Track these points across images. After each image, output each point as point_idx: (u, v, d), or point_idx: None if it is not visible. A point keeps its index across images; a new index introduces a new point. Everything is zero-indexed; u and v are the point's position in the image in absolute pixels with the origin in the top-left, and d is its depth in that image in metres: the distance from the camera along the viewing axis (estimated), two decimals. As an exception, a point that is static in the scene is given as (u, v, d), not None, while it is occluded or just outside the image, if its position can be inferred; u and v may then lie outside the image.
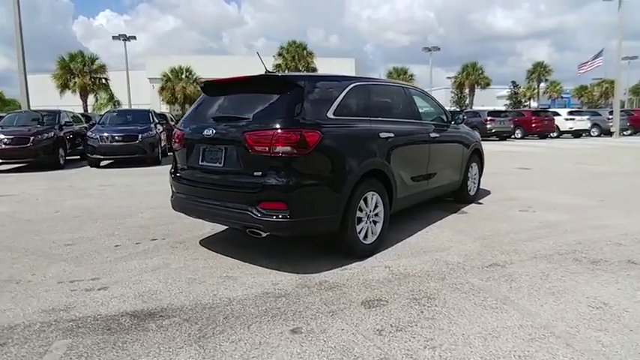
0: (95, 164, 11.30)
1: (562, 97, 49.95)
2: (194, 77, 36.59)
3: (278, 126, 3.05)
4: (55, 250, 3.97)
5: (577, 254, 3.56)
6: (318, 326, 2.43)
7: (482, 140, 22.79)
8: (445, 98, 42.66)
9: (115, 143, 11.09)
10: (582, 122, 22.30)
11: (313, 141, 3.06)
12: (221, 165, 3.35)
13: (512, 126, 20.95)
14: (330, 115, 3.32)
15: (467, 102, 48.36)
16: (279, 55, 37.34)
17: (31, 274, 3.38)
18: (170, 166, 4.01)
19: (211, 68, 38.83)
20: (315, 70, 35.53)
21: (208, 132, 3.38)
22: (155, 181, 8.54)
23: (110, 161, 11.46)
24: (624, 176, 8.30)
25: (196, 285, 3.08)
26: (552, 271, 3.20)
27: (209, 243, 4.10)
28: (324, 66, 37.08)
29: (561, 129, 22.03)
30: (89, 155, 11.25)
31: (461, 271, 3.25)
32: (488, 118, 20.52)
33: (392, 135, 3.82)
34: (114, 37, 33.15)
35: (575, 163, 10.68)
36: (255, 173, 3.13)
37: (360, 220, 3.48)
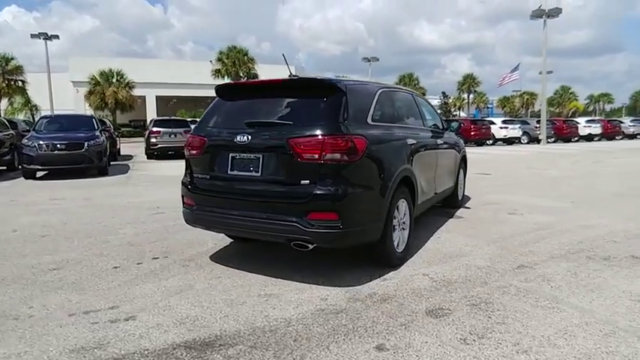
0: (31, 176, 10.07)
1: (487, 107, 54.36)
2: (126, 81, 34.44)
3: (327, 132, 2.91)
4: (42, 277, 3.42)
5: (587, 252, 3.81)
6: (399, 340, 2.32)
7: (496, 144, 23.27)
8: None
9: (56, 152, 9.96)
10: (515, 130, 24.38)
11: (362, 147, 2.96)
12: (258, 174, 3.11)
13: (453, 134, 22.28)
14: (369, 120, 3.25)
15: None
16: (219, 60, 36.37)
17: (28, 307, 2.87)
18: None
19: (144, 72, 37.00)
20: (256, 76, 35.15)
21: (242, 138, 3.12)
22: (116, 193, 7.84)
23: (45, 172, 10.32)
24: (575, 179, 9.11)
25: (239, 306, 2.81)
26: (577, 270, 3.38)
27: (221, 259, 3.79)
28: (266, 73, 36.79)
29: (496, 137, 23.86)
30: (25, 166, 10.00)
31: (496, 274, 3.32)
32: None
33: (414, 141, 3.84)
34: (32, 36, 30.09)
35: (526, 168, 11.59)
36: (302, 182, 2.95)
37: (394, 228, 3.43)
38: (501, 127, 24.03)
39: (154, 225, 5.15)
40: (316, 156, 2.87)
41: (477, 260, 3.66)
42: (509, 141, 24.58)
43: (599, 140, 26.94)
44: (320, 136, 2.89)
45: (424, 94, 45.70)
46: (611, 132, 27.39)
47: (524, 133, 24.94)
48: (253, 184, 3.16)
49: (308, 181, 2.92)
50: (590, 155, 15.66)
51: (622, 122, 29.25)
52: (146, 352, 2.27)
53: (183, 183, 3.60)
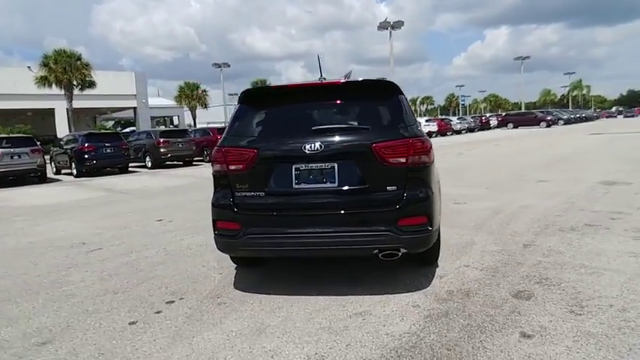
0: None
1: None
2: None
3: (410, 135, 2.87)
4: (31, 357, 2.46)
5: (555, 226, 4.59)
6: (535, 327, 2.47)
7: None
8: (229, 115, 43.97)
9: None
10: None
11: (431, 148, 3.00)
12: (334, 184, 2.86)
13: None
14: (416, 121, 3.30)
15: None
16: (44, 65, 30.53)
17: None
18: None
19: None
20: (94, 83, 30.82)
21: (312, 146, 2.82)
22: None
23: None
24: (464, 170, 10.56)
25: (346, 332, 2.55)
26: (568, 240, 4.05)
27: (251, 287, 3.33)
28: (104, 80, 32.61)
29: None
30: None
31: (517, 255, 3.77)
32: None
33: None
34: None
35: None
36: (389, 188, 2.83)
37: None
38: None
39: (108, 265, 4.18)
40: (403, 160, 2.81)
41: (487, 246, 4.08)
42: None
43: (436, 136, 32.11)
44: (405, 139, 2.84)
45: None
46: (444, 129, 32.86)
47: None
48: (329, 197, 2.89)
49: (395, 187, 2.83)
50: (448, 149, 18.47)
51: (451, 120, 35.51)
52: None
53: (219, 205, 3.05)
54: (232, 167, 2.97)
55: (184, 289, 3.41)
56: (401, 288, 3.16)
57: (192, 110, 39.95)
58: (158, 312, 3.01)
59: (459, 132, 35.86)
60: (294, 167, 2.88)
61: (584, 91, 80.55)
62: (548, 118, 38.54)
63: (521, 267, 3.46)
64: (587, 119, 45.23)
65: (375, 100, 3.07)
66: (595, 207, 5.36)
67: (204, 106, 40.45)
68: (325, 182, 2.86)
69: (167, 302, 3.18)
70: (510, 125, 39.48)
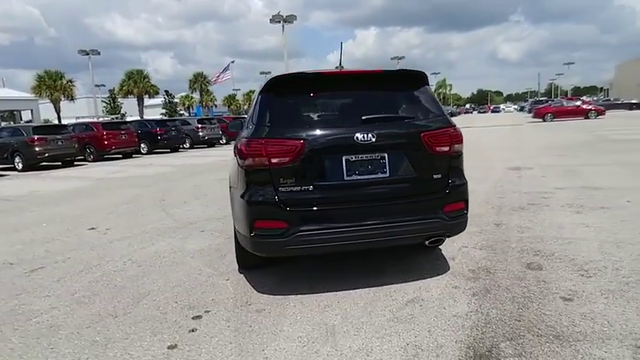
0: None
1: (215, 106, 56.35)
2: None
3: (449, 124, 2.97)
4: None
5: (536, 205, 5.24)
6: (568, 291, 2.83)
7: (195, 147, 23.77)
8: (92, 108, 39.06)
9: None
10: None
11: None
12: (386, 174, 2.81)
13: (220, 132, 22.63)
14: None
15: (124, 111, 46.88)
16: None
17: None
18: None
19: None
20: None
21: (365, 136, 2.73)
22: None
23: None
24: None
25: (419, 319, 2.58)
26: (544, 214, 4.69)
27: (275, 289, 3.13)
28: None
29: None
30: None
31: (505, 232, 4.23)
32: (200, 125, 21.31)
33: None
34: None
35: None
36: (435, 176, 2.91)
37: None
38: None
39: (74, 285, 3.47)
40: (446, 148, 2.92)
41: (483, 219, 4.53)
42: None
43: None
44: (447, 128, 2.95)
45: (157, 93, 43.37)
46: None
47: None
48: (381, 187, 2.84)
49: (440, 175, 2.92)
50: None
51: None
52: None
53: (258, 202, 2.75)
54: (275, 160, 2.72)
55: (201, 302, 3.02)
56: (426, 273, 3.30)
57: (56, 103, 34.52)
58: (193, 330, 2.62)
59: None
60: (344, 158, 2.77)
61: (447, 90, 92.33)
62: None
63: (511, 243, 3.90)
64: (452, 115, 52.04)
65: (409, 90, 3.10)
66: (522, 189, 6.27)
67: (71, 98, 35.32)
68: (377, 173, 2.82)
69: (193, 318, 2.78)
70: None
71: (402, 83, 3.12)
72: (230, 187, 3.57)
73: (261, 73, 59.85)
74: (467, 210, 3.07)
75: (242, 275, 3.47)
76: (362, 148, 2.78)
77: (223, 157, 15.19)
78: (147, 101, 45.99)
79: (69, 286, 3.47)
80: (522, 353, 2.19)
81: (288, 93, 2.96)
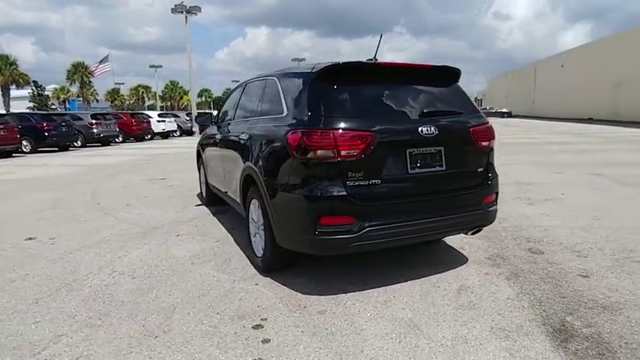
0: None
1: (91, 102, 50.44)
2: None
3: (487, 120, 3.13)
4: None
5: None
6: (581, 270, 3.23)
7: (88, 146, 21.73)
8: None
9: None
10: (171, 124, 25.00)
11: None
12: (443, 168, 2.87)
13: (117, 129, 20.36)
14: None
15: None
16: None
17: None
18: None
19: None
20: None
21: (428, 129, 2.75)
22: None
23: None
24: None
25: (481, 305, 2.71)
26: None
27: (314, 290, 2.99)
28: None
29: (155, 131, 23.69)
30: None
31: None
32: (94, 121, 18.90)
33: None
34: None
35: None
36: (478, 170, 3.07)
37: None
38: (159, 121, 24.18)
39: (66, 306, 2.85)
40: (487, 143, 3.09)
41: None
42: (167, 135, 25.17)
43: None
44: (488, 124, 3.12)
45: (29, 83, 37.32)
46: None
47: (178, 126, 26.24)
48: (438, 180, 2.89)
49: (482, 168, 3.09)
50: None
51: None
52: None
53: (325, 197, 2.58)
54: (345, 153, 2.59)
55: (247, 310, 2.73)
56: (451, 263, 3.47)
57: None
58: (266, 341, 2.36)
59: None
60: (408, 151, 2.77)
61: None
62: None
63: (500, 233, 4.28)
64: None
65: (448, 86, 3.19)
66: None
67: None
68: (434, 166, 2.87)
69: (254, 328, 2.50)
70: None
71: (444, 79, 3.20)
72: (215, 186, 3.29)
73: (151, 66, 55.67)
74: (497, 201, 3.31)
75: (269, 279, 3.22)
76: (424, 142, 2.81)
77: (133, 157, 13.79)
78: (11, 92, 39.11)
79: (58, 307, 2.83)
80: (590, 324, 2.46)
81: (342, 82, 2.84)
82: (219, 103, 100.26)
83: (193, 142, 22.86)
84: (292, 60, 55.22)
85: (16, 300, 2.97)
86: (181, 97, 62.22)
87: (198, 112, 5.85)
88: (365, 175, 2.67)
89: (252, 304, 2.82)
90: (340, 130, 2.62)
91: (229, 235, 4.42)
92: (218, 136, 4.62)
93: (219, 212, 5.43)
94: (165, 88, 61.41)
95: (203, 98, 76.75)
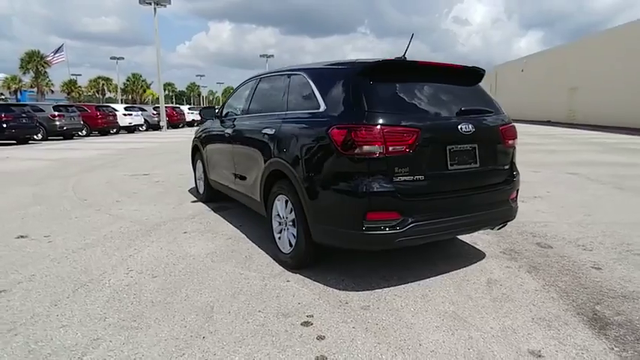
0: None
1: (46, 93, 47.40)
2: None
3: (511, 120, 3.23)
4: None
5: None
6: (592, 262, 3.42)
7: (49, 140, 20.70)
8: None
9: None
10: (138, 118, 23.99)
11: None
12: (477, 165, 2.94)
13: (81, 122, 19.31)
14: None
15: None
16: None
17: None
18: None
19: None
20: None
21: (466, 128, 2.81)
22: None
23: None
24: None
25: (515, 295, 2.81)
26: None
27: (364, 284, 3.00)
28: None
29: (121, 125, 22.66)
30: None
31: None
32: (57, 113, 17.83)
33: None
34: None
35: None
36: (505, 167, 3.17)
37: None
38: (125, 115, 23.17)
39: (90, 309, 2.70)
40: (512, 141, 3.19)
41: None
42: (133, 129, 24.19)
43: (197, 125, 31.42)
44: (512, 124, 3.22)
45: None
46: (176, 120, 31.37)
47: (145, 120, 25.26)
48: (473, 177, 2.96)
49: (507, 166, 3.19)
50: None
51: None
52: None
53: (373, 193, 2.58)
54: (392, 148, 2.60)
55: (289, 308, 2.69)
56: (471, 258, 3.57)
57: None
58: (321, 337, 2.33)
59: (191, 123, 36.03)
60: (448, 148, 2.82)
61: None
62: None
63: (505, 228, 4.40)
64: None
65: (474, 85, 3.27)
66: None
67: None
68: (470, 163, 2.94)
69: (303, 324, 2.47)
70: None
71: (470, 79, 3.27)
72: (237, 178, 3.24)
73: (112, 58, 53.31)
74: (517, 198, 3.44)
75: (298, 275, 3.19)
76: (461, 139, 2.87)
77: (103, 151, 13.16)
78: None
79: (82, 309, 2.67)
80: (618, 312, 2.61)
81: (382, 79, 2.84)
82: (182, 97, 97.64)
83: (162, 137, 22.13)
84: (260, 56, 54.72)
85: (31, 302, 2.78)
86: (144, 91, 59.83)
87: (204, 106, 5.65)
88: (410, 171, 2.70)
89: (290, 301, 2.78)
90: (388, 126, 2.63)
91: (239, 232, 4.32)
92: (227, 131, 4.49)
93: (219, 209, 5.30)
94: (127, 80, 58.76)
95: (166, 92, 74.34)
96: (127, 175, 8.15)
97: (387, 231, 2.64)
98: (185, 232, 4.34)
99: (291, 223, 3.26)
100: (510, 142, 3.20)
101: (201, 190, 5.85)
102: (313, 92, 3.12)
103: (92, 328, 2.45)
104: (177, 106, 33.25)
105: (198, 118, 31.56)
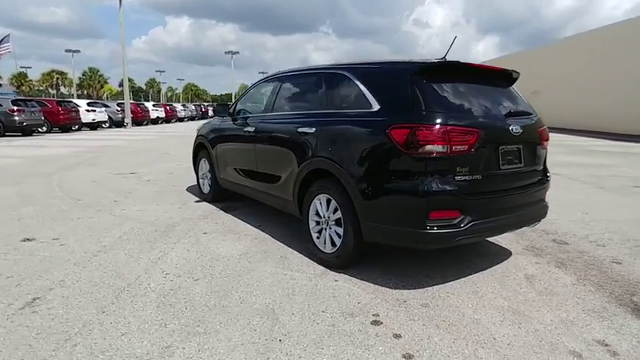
0: None
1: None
2: None
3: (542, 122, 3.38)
4: None
5: None
6: (611, 258, 3.64)
7: (6, 136, 19.58)
8: None
9: None
10: (102, 114, 22.78)
11: None
12: (522, 165, 3.07)
13: (42, 118, 18.12)
14: None
15: None
16: None
17: None
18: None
19: None
20: None
21: (516, 128, 2.94)
22: None
23: None
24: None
25: (556, 289, 2.95)
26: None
27: (411, 283, 3.04)
28: None
29: (83, 121, 21.44)
30: None
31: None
32: (16, 108, 16.62)
33: None
34: None
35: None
36: (541, 167, 3.31)
37: None
38: (88, 111, 21.98)
39: (142, 315, 2.57)
40: (546, 143, 3.34)
41: None
42: (96, 126, 22.99)
43: (162, 123, 30.38)
44: (544, 125, 3.36)
45: None
46: (170, 115, 31.26)
47: (108, 117, 24.07)
48: (518, 177, 3.08)
49: (542, 167, 3.33)
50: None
51: (176, 108, 33.86)
52: None
53: (435, 192, 2.63)
54: (455, 148, 2.66)
55: (350, 307, 2.68)
56: (497, 255, 3.70)
57: None
58: (398, 335, 2.35)
59: (182, 119, 35.36)
60: (500, 148, 2.92)
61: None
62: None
63: (516, 225, 4.67)
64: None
65: (509, 88, 3.38)
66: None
67: None
68: (516, 163, 3.05)
69: (373, 323, 2.47)
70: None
71: (507, 81, 3.39)
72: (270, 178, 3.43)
73: (67, 51, 50.41)
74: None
75: (343, 275, 3.18)
76: (511, 140, 2.98)
77: (73, 149, 12.48)
78: None
79: (135, 315, 2.53)
80: (655, 303, 2.82)
81: (437, 80, 2.89)
82: (140, 93, 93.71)
83: (130, 134, 21.23)
84: (226, 53, 53.80)
85: (75, 310, 2.60)
86: (102, 86, 56.89)
87: (218, 103, 5.47)
88: (469, 170, 2.77)
89: (350, 300, 2.78)
90: (451, 126, 2.68)
91: (261, 232, 4.24)
92: (248, 130, 4.39)
93: (229, 209, 5.17)
94: (84, 75, 55.59)
95: (121, 88, 71.21)
96: (113, 174, 7.77)
97: (449, 230, 2.70)
98: (205, 233, 4.21)
99: (333, 223, 3.25)
100: (545, 143, 3.35)
101: (205, 190, 5.69)
102: (362, 92, 3.12)
103: (156, 335, 2.33)
104: (142, 102, 31.98)
105: (163, 115, 30.61)
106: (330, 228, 3.29)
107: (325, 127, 3.33)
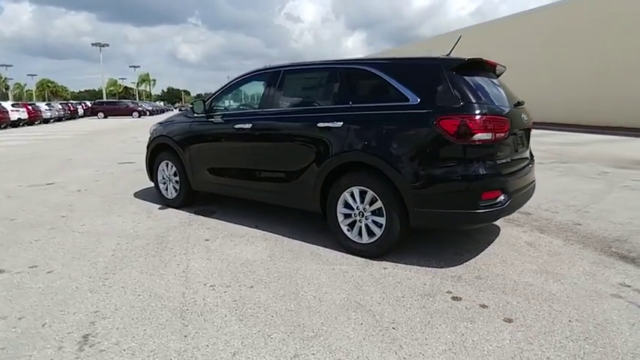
0: None
1: None
2: None
3: None
4: None
5: None
6: (624, 248, 4.42)
7: None
8: None
9: None
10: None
11: None
12: (524, 148, 3.57)
13: None
14: None
15: None
16: None
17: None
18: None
19: None
20: None
21: (525, 116, 3.40)
22: None
23: None
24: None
25: (578, 281, 3.50)
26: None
27: (434, 276, 3.30)
28: None
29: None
30: None
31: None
32: None
33: None
34: None
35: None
36: (529, 149, 3.84)
37: None
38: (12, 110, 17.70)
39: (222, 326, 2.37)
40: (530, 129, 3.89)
41: None
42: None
43: (23, 125, 25.86)
44: None
45: None
46: (33, 117, 26.70)
47: None
48: (524, 159, 3.55)
49: (529, 149, 3.87)
50: (80, 141, 16.18)
51: (40, 108, 28.86)
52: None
53: (486, 176, 2.93)
54: (497, 135, 3.00)
55: (422, 289, 2.84)
56: (493, 232, 4.21)
57: None
58: (484, 306, 2.58)
59: (47, 121, 30.55)
60: (517, 134, 3.35)
61: (151, 85, 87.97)
62: (139, 108, 40.38)
63: (528, 209, 5.29)
64: (162, 111, 50.17)
65: (498, 80, 3.80)
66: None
67: None
68: (522, 147, 3.51)
69: (454, 299, 2.67)
70: (101, 115, 38.02)
71: (498, 75, 3.81)
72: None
73: None
74: None
75: (388, 262, 3.29)
76: (521, 126, 3.45)
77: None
78: None
79: (222, 334, 2.32)
80: (630, 250, 3.56)
81: (466, 74, 3.19)
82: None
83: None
84: (93, 45, 48.24)
85: (151, 340, 2.26)
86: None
87: (195, 99, 4.90)
88: (504, 154, 3.16)
89: (414, 283, 2.93)
90: (493, 115, 3.02)
91: (266, 233, 4.09)
92: (241, 126, 4.15)
93: (207, 213, 4.82)
94: None
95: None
96: (25, 187, 6.51)
97: (494, 208, 3.03)
98: (207, 240, 3.91)
99: (370, 213, 3.34)
100: (531, 129, 3.94)
101: (169, 195, 5.19)
102: (393, 86, 3.26)
103: (270, 347, 2.18)
104: (34, 103, 26.86)
105: (25, 116, 26.05)
106: (367, 219, 3.38)
107: (355, 120, 3.39)
